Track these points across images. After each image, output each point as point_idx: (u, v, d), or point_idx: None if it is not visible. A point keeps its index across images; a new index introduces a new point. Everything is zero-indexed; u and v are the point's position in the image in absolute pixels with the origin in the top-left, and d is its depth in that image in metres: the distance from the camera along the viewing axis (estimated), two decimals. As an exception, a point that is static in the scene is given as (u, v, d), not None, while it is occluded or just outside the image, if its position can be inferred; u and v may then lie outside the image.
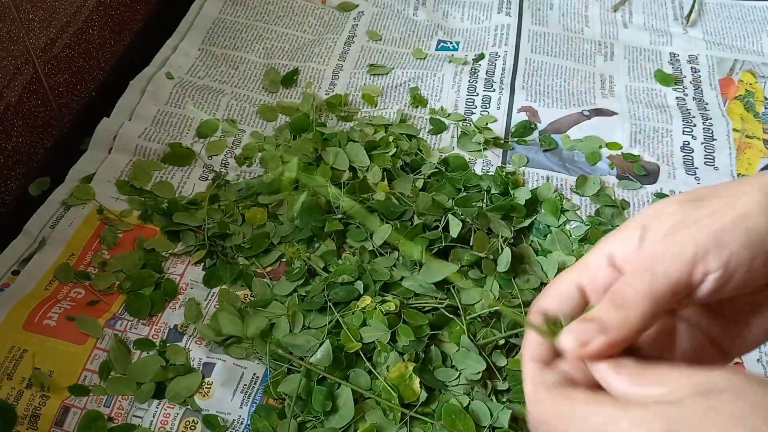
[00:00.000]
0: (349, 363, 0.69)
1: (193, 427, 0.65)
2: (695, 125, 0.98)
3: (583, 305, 0.36)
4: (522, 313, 0.74)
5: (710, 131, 0.97)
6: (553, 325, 0.35)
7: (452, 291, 0.74)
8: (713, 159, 0.94)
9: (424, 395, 0.67)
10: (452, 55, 1.07)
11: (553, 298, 0.36)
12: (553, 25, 1.13)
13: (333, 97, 0.97)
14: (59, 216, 0.82)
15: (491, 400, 0.67)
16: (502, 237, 0.79)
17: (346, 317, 0.72)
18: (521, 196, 0.84)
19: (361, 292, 0.74)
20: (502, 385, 0.68)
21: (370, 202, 0.81)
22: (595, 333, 0.32)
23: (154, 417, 0.66)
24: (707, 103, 1.02)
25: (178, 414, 0.66)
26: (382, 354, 0.69)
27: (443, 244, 0.77)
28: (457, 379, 0.68)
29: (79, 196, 0.83)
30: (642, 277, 0.33)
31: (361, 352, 0.70)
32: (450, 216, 0.78)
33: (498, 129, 0.96)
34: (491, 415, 0.65)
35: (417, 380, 0.67)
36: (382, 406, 0.66)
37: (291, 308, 0.74)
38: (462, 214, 0.79)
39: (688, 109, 1.00)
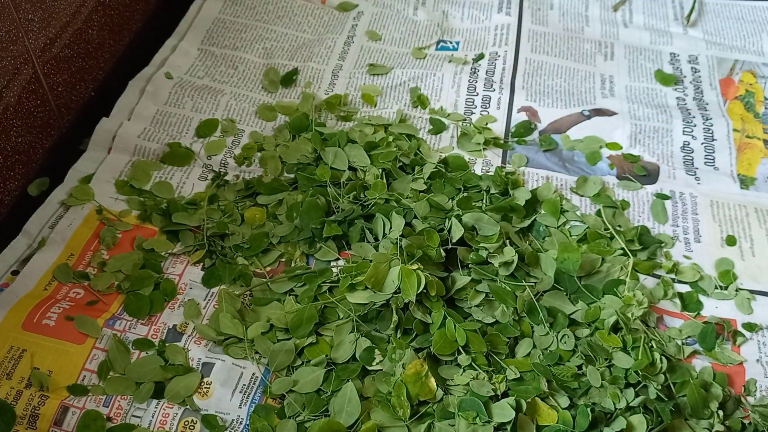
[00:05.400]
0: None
1: (192, 427, 0.65)
2: (695, 125, 0.98)
3: None
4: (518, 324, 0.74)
5: (710, 131, 0.97)
6: None
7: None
8: (713, 159, 0.94)
9: (440, 393, 0.67)
10: (452, 54, 1.07)
11: None
12: (553, 24, 1.13)
13: (332, 96, 0.97)
14: (58, 216, 0.81)
15: (495, 397, 0.67)
16: (513, 244, 0.78)
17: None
18: (521, 196, 0.84)
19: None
20: (501, 387, 0.68)
21: (372, 208, 0.81)
22: None
23: (153, 417, 0.66)
24: (707, 103, 1.01)
25: (177, 414, 0.66)
26: (396, 351, 0.69)
27: (449, 246, 0.77)
28: (461, 376, 0.68)
29: (78, 196, 0.83)
30: None
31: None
32: (453, 220, 0.78)
33: (498, 129, 0.95)
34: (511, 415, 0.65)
35: (432, 378, 0.67)
36: (392, 403, 0.66)
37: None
38: (464, 216, 0.79)
39: (688, 109, 1.00)
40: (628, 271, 0.77)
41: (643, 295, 0.75)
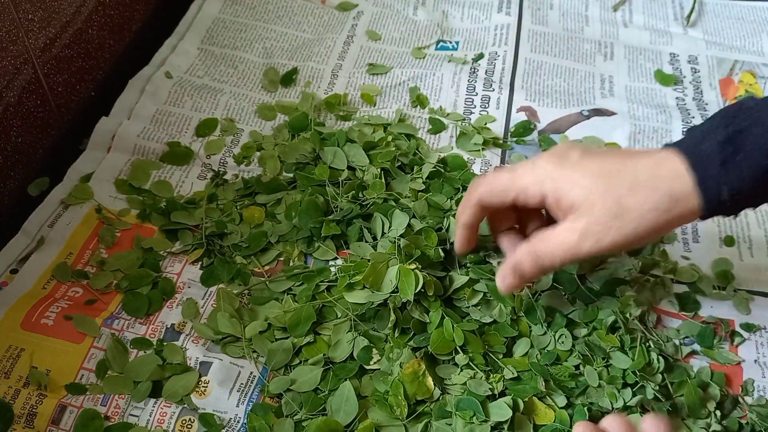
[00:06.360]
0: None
1: (189, 426, 0.65)
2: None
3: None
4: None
5: (710, 131, 0.97)
6: None
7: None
8: (712, 159, 0.94)
9: (437, 392, 0.67)
10: (452, 54, 1.07)
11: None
12: (553, 24, 1.13)
13: (332, 96, 0.97)
14: (57, 215, 0.82)
15: (492, 396, 0.67)
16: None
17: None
18: (519, 196, 0.84)
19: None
20: (498, 386, 0.68)
21: (370, 208, 0.81)
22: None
23: (150, 416, 0.66)
24: (707, 104, 1.01)
25: (174, 413, 0.66)
26: (394, 350, 0.69)
27: (447, 246, 0.77)
28: (459, 376, 0.68)
29: (77, 195, 0.83)
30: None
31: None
32: (452, 219, 0.78)
33: (497, 129, 0.95)
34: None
35: (429, 377, 0.67)
36: (390, 402, 0.66)
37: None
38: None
39: (687, 110, 1.00)
40: (638, 273, 0.77)
41: (643, 295, 0.75)
